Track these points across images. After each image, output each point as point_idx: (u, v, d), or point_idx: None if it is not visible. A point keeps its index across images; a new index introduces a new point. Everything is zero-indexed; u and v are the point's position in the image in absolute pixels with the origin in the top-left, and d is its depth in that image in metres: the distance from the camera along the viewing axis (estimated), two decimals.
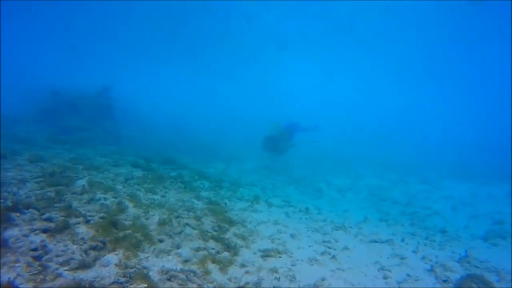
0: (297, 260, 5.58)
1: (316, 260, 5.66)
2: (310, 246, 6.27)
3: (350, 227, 7.76)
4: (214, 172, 12.17)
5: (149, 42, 31.87)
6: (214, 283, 4.41)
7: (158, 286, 3.99)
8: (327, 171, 16.07)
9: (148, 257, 4.62)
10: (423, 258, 6.27)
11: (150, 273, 4.20)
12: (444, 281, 5.33)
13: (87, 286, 3.60)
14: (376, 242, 6.92)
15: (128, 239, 4.79)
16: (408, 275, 5.48)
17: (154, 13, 23.06)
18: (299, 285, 4.76)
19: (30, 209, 4.89)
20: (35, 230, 4.40)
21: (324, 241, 6.59)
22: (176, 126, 24.10)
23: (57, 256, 3.98)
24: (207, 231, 5.90)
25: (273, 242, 6.17)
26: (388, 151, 24.36)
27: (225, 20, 24.17)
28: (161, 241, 5.14)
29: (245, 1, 20.86)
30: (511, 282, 5.45)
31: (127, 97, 24.89)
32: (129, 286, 3.82)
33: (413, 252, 6.56)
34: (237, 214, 7.40)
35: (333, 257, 5.90)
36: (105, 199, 6.06)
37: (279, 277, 4.87)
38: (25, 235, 4.22)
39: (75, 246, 4.28)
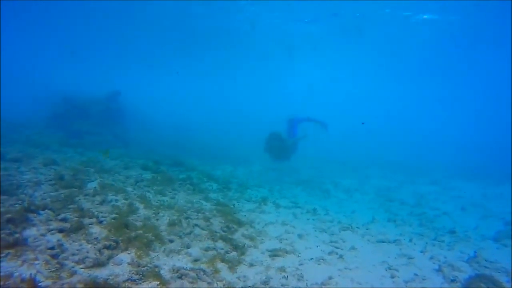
0: (305, 259, 5.66)
1: (323, 260, 5.73)
2: (317, 246, 6.34)
3: (357, 227, 7.80)
4: (222, 174, 12.31)
5: (156, 45, 32.19)
6: (224, 282, 4.52)
7: (170, 283, 4.11)
8: (334, 172, 16.07)
9: (159, 256, 4.76)
10: (431, 258, 6.29)
11: (162, 272, 4.33)
12: (452, 280, 5.35)
13: (102, 283, 3.73)
14: (383, 242, 6.95)
15: (139, 239, 4.93)
16: (416, 274, 5.51)
17: (160, 15, 23.32)
18: (306, 284, 4.84)
19: (46, 210, 5.08)
20: (52, 230, 4.57)
21: (331, 241, 6.66)
22: (184, 129, 24.34)
23: (73, 254, 4.14)
24: (216, 232, 6.02)
25: (281, 242, 6.26)
26: (395, 152, 24.23)
27: (231, 23, 24.34)
28: (171, 241, 5.28)
29: (250, 5, 21.01)
30: None
31: (134, 101, 25.24)
32: (142, 284, 3.95)
33: (421, 252, 6.57)
34: (245, 215, 7.50)
35: (340, 256, 5.96)
36: (116, 200, 6.24)
37: (287, 276, 4.96)
38: (43, 235, 4.40)
39: (90, 245, 4.44)
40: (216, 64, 38.75)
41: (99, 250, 4.36)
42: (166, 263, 4.63)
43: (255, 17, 22.81)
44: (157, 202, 6.80)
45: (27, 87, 29.00)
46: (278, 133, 12.72)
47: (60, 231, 4.61)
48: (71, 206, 5.43)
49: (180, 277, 4.32)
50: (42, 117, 16.58)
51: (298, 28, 24.47)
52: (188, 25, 25.48)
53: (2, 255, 3.77)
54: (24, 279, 3.38)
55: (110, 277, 3.95)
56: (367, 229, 7.75)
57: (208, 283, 4.38)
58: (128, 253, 4.57)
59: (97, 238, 4.66)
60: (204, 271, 4.61)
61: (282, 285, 4.71)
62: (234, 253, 5.43)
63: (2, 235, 3.99)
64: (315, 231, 7.23)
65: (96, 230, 4.88)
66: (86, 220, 5.08)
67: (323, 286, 4.85)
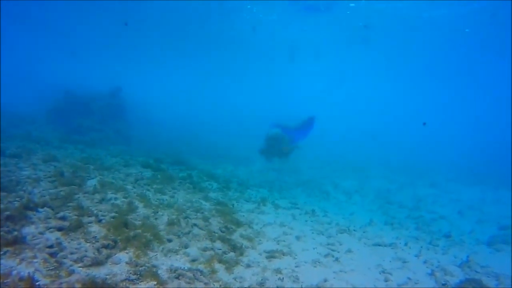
0: (301, 261, 5.72)
1: (319, 262, 5.78)
2: (314, 248, 6.39)
3: (354, 230, 7.85)
4: (223, 173, 12.36)
5: (159, 45, 32.19)
6: (220, 282, 4.57)
7: (167, 284, 4.17)
8: (335, 173, 16.13)
9: (157, 255, 4.81)
10: (425, 262, 6.36)
11: (159, 271, 4.38)
12: (443, 284, 5.43)
13: (100, 283, 3.79)
14: (379, 245, 7.01)
15: (138, 238, 4.98)
16: (409, 278, 5.58)
17: (164, 15, 23.33)
18: (301, 286, 4.90)
19: (45, 208, 5.13)
20: (51, 228, 4.63)
21: (328, 244, 6.71)
22: (187, 128, 24.40)
23: (72, 253, 4.19)
24: (214, 232, 6.07)
25: (279, 244, 6.32)
26: (396, 154, 24.26)
27: (235, 24, 24.32)
28: (169, 240, 5.33)
29: (253, 10, 21.05)
30: (511, 287, 5.50)
31: (138, 99, 25.28)
32: (139, 283, 4.01)
33: (416, 256, 6.64)
34: (244, 216, 7.56)
35: (336, 259, 6.02)
36: (116, 199, 6.29)
37: (283, 278, 5.02)
38: (41, 233, 4.45)
39: (88, 244, 4.49)
40: (219, 64, 38.76)
41: (98, 249, 4.41)
42: (164, 263, 4.68)
43: (257, 20, 22.82)
44: (156, 201, 6.85)
45: (29, 82, 29.05)
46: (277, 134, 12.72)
47: (59, 229, 4.66)
48: (71, 204, 5.48)
49: (177, 277, 4.37)
50: (43, 113, 16.63)
51: (300, 30, 24.48)
52: (190, 25, 25.49)
53: (0, 253, 3.82)
54: (22, 277, 3.43)
55: (108, 276, 4.00)
56: (364, 232, 7.80)
57: (205, 283, 4.44)
58: (127, 253, 4.62)
59: (96, 237, 4.71)
60: (201, 271, 4.67)
61: (277, 287, 4.77)
62: (231, 254, 5.49)
63: (1, 233, 4.04)
64: (313, 233, 7.28)
65: (95, 228, 4.93)
66: (85, 219, 5.13)
67: None
